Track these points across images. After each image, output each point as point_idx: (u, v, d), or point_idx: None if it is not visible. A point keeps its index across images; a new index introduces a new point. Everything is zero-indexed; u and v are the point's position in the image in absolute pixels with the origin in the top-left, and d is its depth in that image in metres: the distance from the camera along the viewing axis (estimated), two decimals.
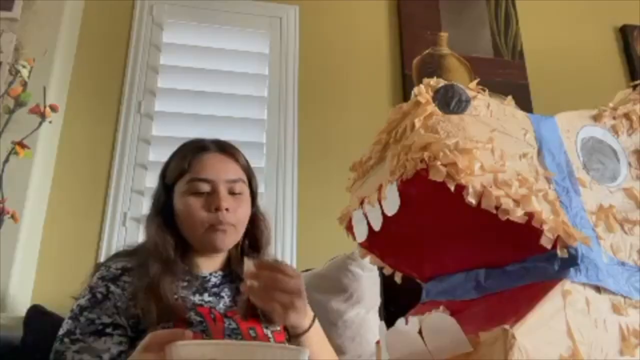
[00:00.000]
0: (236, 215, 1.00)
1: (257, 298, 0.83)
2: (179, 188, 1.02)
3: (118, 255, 1.03)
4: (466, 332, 0.50)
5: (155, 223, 1.02)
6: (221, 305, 0.99)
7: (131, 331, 0.90)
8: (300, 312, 0.87)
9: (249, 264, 0.83)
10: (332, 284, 1.32)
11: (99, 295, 0.91)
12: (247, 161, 1.09)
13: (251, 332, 0.96)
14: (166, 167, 1.07)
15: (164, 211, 1.02)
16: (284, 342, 0.99)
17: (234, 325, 0.94)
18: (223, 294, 1.01)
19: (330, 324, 1.26)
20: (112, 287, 0.92)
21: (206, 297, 0.98)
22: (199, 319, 0.92)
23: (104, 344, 0.86)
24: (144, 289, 0.91)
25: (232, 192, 1.02)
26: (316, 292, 1.30)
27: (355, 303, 1.30)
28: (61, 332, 0.89)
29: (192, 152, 1.04)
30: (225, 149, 1.07)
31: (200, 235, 0.99)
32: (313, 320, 0.92)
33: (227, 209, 0.98)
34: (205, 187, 1.00)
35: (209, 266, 1.04)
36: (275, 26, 2.16)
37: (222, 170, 1.02)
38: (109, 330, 0.88)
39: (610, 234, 0.56)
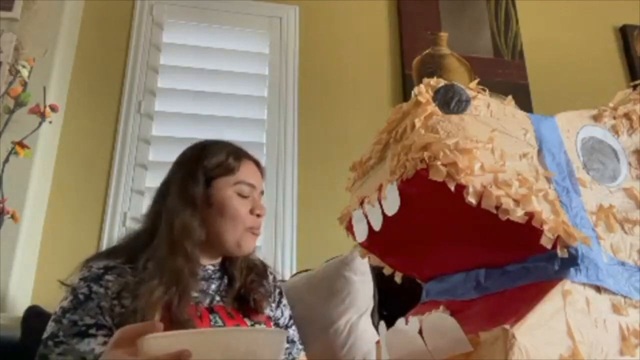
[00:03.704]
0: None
1: None
2: (223, 185, 1.03)
3: (101, 255, 1.02)
4: (466, 332, 0.50)
5: (189, 212, 0.99)
6: (207, 300, 0.99)
7: (116, 330, 0.89)
8: None
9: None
10: (325, 289, 1.32)
11: (81, 297, 0.90)
12: None
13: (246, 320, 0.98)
14: (205, 160, 1.05)
15: (197, 201, 1.00)
16: None
17: (220, 322, 0.95)
18: (210, 290, 1.01)
19: (323, 329, 1.26)
20: (95, 287, 0.91)
21: (193, 292, 0.98)
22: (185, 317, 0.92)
23: (87, 345, 0.85)
24: (158, 282, 0.89)
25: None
26: (309, 297, 1.30)
27: (347, 308, 1.30)
28: (45, 335, 0.88)
29: (237, 155, 1.08)
30: (258, 162, 1.13)
31: (239, 234, 1.02)
32: None
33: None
34: (251, 193, 1.06)
35: (205, 262, 1.04)
36: (275, 26, 2.16)
37: (259, 181, 1.09)
38: (92, 331, 0.87)
39: (610, 234, 0.56)
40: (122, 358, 0.58)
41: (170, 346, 0.55)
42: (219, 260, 1.07)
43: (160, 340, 0.57)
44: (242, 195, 1.04)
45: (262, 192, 1.10)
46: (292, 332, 1.12)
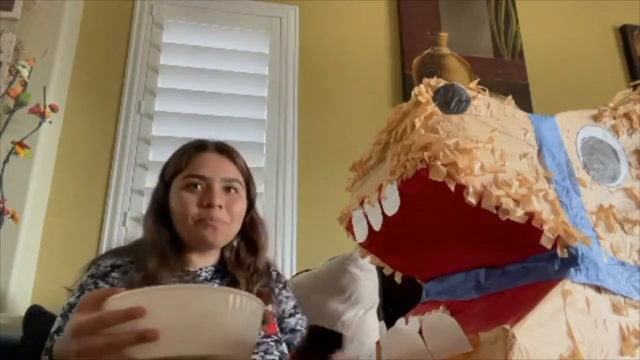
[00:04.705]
0: (230, 212, 1.02)
1: None
2: (175, 184, 1.04)
3: (109, 254, 1.05)
4: (466, 332, 0.49)
5: (151, 218, 1.04)
6: None
7: None
8: None
9: None
10: (330, 285, 1.32)
11: (87, 293, 0.92)
12: (246, 165, 1.10)
13: None
14: (166, 165, 1.10)
15: (160, 207, 1.05)
16: (276, 334, 0.99)
17: None
18: None
19: (329, 325, 1.26)
20: (101, 284, 0.94)
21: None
22: None
23: None
24: (139, 282, 0.92)
25: (227, 190, 1.03)
26: (314, 293, 1.30)
27: (353, 304, 1.30)
28: (52, 329, 0.91)
29: (191, 150, 1.07)
30: (225, 149, 1.08)
31: (190, 229, 1.00)
32: None
33: (220, 206, 1.00)
34: (201, 184, 1.02)
35: (201, 262, 1.05)
36: (275, 26, 2.16)
37: (218, 169, 1.04)
38: None
39: (610, 234, 0.56)
40: (81, 318, 0.59)
41: (129, 305, 0.56)
42: (215, 259, 1.07)
43: (120, 301, 0.57)
44: (192, 189, 1.01)
45: (231, 180, 1.04)
46: (296, 320, 1.08)
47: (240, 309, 0.58)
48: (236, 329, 0.58)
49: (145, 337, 0.54)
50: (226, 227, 1.02)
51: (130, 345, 0.55)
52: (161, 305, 0.56)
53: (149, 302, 0.56)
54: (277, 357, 0.95)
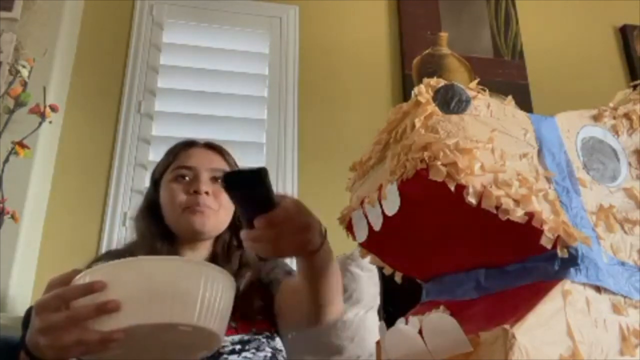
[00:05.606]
0: (218, 200, 1.02)
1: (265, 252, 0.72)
2: (164, 179, 1.06)
3: (104, 256, 1.06)
4: (466, 332, 0.50)
5: (142, 216, 1.06)
6: None
7: None
8: (313, 240, 0.74)
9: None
10: None
11: None
12: (236, 164, 1.11)
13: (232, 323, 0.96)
14: (156, 165, 1.12)
15: (151, 205, 1.06)
16: (269, 329, 0.99)
17: None
18: None
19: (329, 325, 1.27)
20: None
21: None
22: None
23: None
24: None
25: (214, 179, 1.04)
26: None
27: (354, 303, 1.31)
28: None
29: (180, 146, 1.09)
30: (213, 146, 1.10)
31: (178, 217, 1.01)
32: (324, 237, 0.77)
33: (207, 193, 1.01)
34: (189, 174, 1.03)
35: (193, 256, 1.04)
36: (275, 26, 2.16)
37: (206, 160, 1.06)
38: None
39: (611, 234, 0.56)
40: (44, 297, 0.61)
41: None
42: (207, 253, 1.06)
43: (84, 279, 0.59)
44: (180, 179, 1.03)
45: (219, 170, 1.03)
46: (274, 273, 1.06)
47: (191, 275, 0.59)
48: (201, 299, 0.58)
49: (106, 307, 0.54)
50: (214, 214, 1.01)
51: (91, 318, 0.55)
52: (122, 277, 0.57)
53: (110, 276, 0.57)
54: (269, 354, 0.95)
